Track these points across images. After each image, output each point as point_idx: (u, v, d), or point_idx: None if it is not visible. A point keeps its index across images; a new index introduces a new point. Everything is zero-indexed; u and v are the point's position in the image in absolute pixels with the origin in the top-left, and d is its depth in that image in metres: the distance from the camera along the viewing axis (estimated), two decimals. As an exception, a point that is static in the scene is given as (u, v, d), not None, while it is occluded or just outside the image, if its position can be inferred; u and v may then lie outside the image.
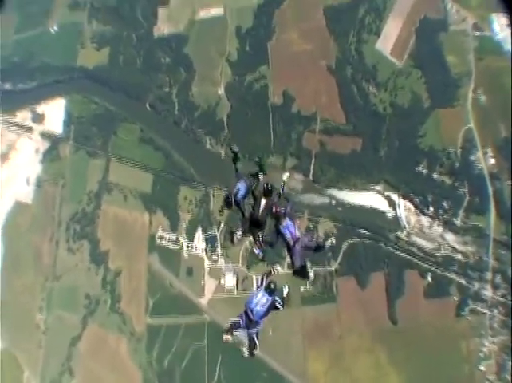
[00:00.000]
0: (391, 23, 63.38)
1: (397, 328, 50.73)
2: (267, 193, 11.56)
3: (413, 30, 62.13)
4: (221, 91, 65.35)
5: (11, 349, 62.86)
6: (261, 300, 10.65)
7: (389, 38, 62.87)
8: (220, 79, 65.82)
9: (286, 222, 11.23)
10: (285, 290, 11.46)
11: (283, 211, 11.28)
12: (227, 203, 11.98)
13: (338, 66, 62.04)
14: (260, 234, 11.68)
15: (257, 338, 11.21)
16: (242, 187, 11.98)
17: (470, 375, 49.29)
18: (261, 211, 11.42)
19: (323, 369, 50.46)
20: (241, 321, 10.88)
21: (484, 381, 49.14)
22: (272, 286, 10.70)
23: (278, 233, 11.25)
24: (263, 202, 11.47)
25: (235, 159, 12.89)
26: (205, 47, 67.74)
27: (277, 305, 10.92)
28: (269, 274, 11.30)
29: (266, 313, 10.72)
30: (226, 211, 12.64)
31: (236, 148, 13.21)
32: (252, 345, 11.10)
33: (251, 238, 11.82)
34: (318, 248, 11.57)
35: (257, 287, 11.10)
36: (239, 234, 11.70)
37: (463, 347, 48.84)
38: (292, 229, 11.15)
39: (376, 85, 59.70)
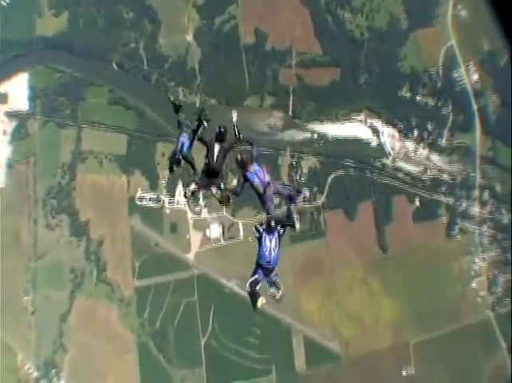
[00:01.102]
0: None
1: (388, 255, 60.95)
2: (220, 138, 12.58)
3: None
4: (190, 38, 74.67)
5: (1, 334, 73.06)
6: (271, 246, 11.78)
7: (360, -41, 73.01)
8: (188, 26, 75.03)
9: (253, 167, 12.15)
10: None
11: (249, 157, 12.25)
12: (175, 160, 13.32)
13: None
14: (220, 182, 12.77)
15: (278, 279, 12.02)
16: (185, 139, 13.27)
17: (462, 294, 59.03)
18: (215, 157, 12.39)
19: (317, 305, 61.45)
20: (258, 277, 12.03)
21: (476, 298, 58.85)
22: (272, 223, 11.67)
23: (246, 180, 12.24)
24: (217, 147, 12.47)
25: (176, 108, 14.31)
26: None
27: (287, 229, 12.37)
28: (261, 223, 12.23)
29: (279, 249, 11.69)
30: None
31: (171, 97, 14.64)
32: (276, 288, 12.41)
33: (214, 189, 12.92)
34: (291, 198, 12.54)
35: (260, 239, 12.14)
36: (192, 187, 12.87)
37: (455, 267, 58.85)
38: (260, 174, 12.15)
39: (352, 11, 69.00)
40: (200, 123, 13.89)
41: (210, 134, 13.81)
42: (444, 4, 64.40)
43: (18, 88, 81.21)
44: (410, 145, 59.87)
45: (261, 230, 12.39)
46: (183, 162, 13.82)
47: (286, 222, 12.70)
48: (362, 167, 60.61)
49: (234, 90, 68.86)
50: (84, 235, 74.42)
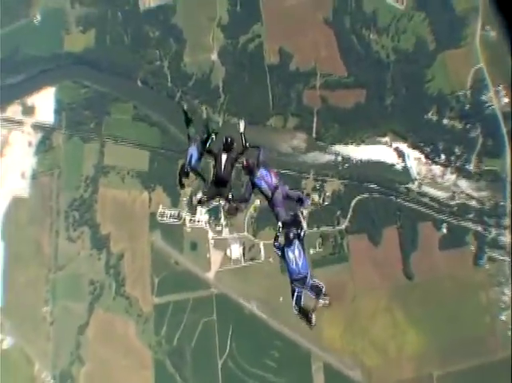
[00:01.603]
0: (389, -35, 67.50)
1: (413, 283, 54.68)
2: (227, 148, 11.98)
3: None
4: (214, 57, 70.00)
5: (20, 343, 69.09)
6: (295, 257, 10.76)
7: (388, -19, 66.98)
8: (212, 45, 70.45)
9: (260, 172, 11.44)
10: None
11: (255, 162, 11.61)
12: (184, 173, 12.47)
13: (335, 17, 65.41)
14: (228, 192, 11.97)
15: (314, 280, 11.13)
16: (193, 151, 12.47)
17: (492, 326, 52.84)
18: (223, 167, 11.71)
19: (338, 333, 54.99)
20: (298, 292, 11.05)
21: (506, 332, 52.87)
22: (291, 235, 10.75)
23: (254, 187, 11.51)
24: (224, 157, 11.80)
25: (187, 121, 13.28)
26: (194, 14, 72.48)
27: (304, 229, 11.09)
28: (276, 237, 11.32)
29: (304, 255, 10.86)
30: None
31: (185, 106, 15.33)
32: (320, 292, 11.31)
33: (222, 200, 12.23)
34: (301, 201, 11.70)
35: (283, 256, 11.05)
36: (199, 195, 12.31)
37: (483, 298, 52.37)
38: (267, 178, 11.33)
39: (377, 32, 63.24)
40: (209, 135, 12.98)
41: (218, 145, 12.66)
42: (472, 24, 59.21)
43: (45, 102, 77.18)
44: (437, 170, 53.59)
45: (280, 246, 11.17)
46: (191, 174, 12.59)
47: (294, 222, 11.20)
48: (387, 192, 53.93)
49: (257, 110, 64.38)
50: (105, 249, 69.44)
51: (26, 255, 73.20)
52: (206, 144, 12.77)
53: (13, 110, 77.99)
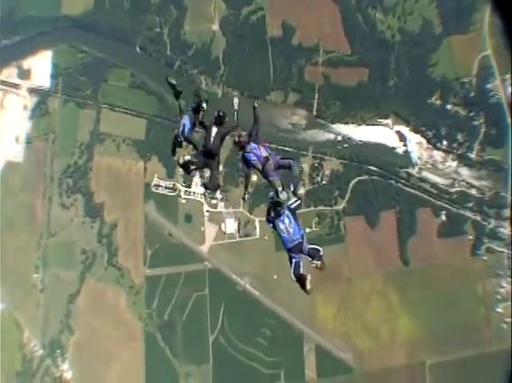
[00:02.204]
0: None
1: (409, 269, 49.75)
2: (218, 121, 10.96)
3: None
4: (215, 27, 63.30)
5: (10, 309, 63.20)
6: (286, 226, 9.72)
7: (397, -41, 59.55)
8: (214, 14, 63.51)
9: (250, 145, 10.47)
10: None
11: (246, 138, 10.60)
12: (177, 142, 11.40)
13: None
14: (217, 165, 11.12)
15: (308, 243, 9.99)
16: (186, 120, 11.36)
17: (486, 317, 48.48)
18: (212, 139, 10.77)
19: (332, 314, 49.96)
20: (295, 259, 9.73)
21: (501, 324, 47.97)
22: (278, 208, 9.85)
23: (246, 161, 10.53)
24: (214, 130, 10.83)
25: (176, 94, 11.81)
26: None
27: (295, 200, 10.23)
28: (268, 211, 10.37)
29: (296, 222, 9.88)
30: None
31: (173, 80, 11.84)
32: (317, 254, 9.92)
33: (207, 172, 11.20)
34: (290, 167, 10.61)
35: (274, 228, 10.01)
36: (187, 157, 11.09)
37: (479, 288, 47.71)
38: (256, 151, 10.36)
39: (383, 11, 57.08)
40: (199, 104, 11.52)
41: (210, 117, 11.34)
42: (481, 10, 52.55)
43: (41, 66, 69.37)
44: (438, 155, 47.64)
45: (271, 219, 9.97)
46: (184, 143, 11.41)
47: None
48: (387, 175, 48.25)
49: (257, 83, 59.19)
50: (98, 217, 63.15)
51: (19, 221, 66.73)
52: (197, 113, 11.29)
53: (9, 73, 70.08)
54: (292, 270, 9.60)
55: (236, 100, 11.65)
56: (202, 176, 11.66)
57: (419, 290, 47.82)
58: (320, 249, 9.87)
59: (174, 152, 11.67)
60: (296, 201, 10.07)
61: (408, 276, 48.31)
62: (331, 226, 51.43)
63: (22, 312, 62.47)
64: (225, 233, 54.12)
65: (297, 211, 10.11)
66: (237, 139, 10.33)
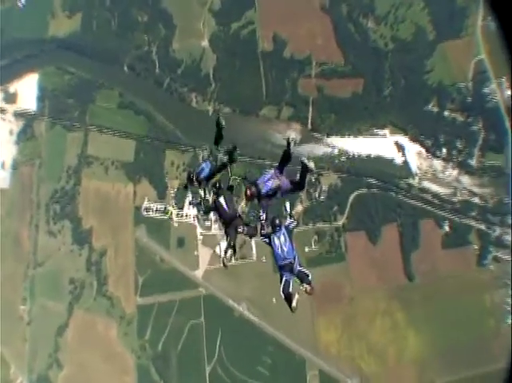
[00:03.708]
0: (387, -50, 61.81)
1: (414, 284, 49.27)
2: (219, 192, 11.76)
3: None
4: (205, 43, 64.04)
5: None
6: (280, 243, 10.42)
7: (387, -33, 61.33)
8: (203, 31, 64.45)
9: (261, 181, 11.04)
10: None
11: (255, 190, 10.97)
12: (189, 179, 12.05)
13: (332, 4, 60.40)
14: (241, 222, 11.38)
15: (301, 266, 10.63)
16: (206, 167, 11.89)
17: (496, 330, 47.67)
18: (226, 207, 11.38)
19: (335, 337, 49.39)
20: (286, 278, 10.25)
21: None
22: (276, 221, 10.55)
23: (269, 198, 11.08)
24: (222, 200, 11.43)
25: (218, 135, 12.02)
26: None
27: (292, 220, 11.13)
28: (262, 227, 11.13)
29: (290, 242, 10.54)
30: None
31: (223, 122, 12.05)
32: (306, 279, 10.34)
33: (239, 229, 11.51)
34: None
35: (269, 243, 10.75)
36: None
37: (487, 300, 47.08)
38: (269, 183, 10.92)
39: (375, 20, 58.13)
40: (224, 166, 11.80)
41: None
42: (473, 15, 54.06)
43: (28, 89, 70.87)
44: (438, 164, 48.03)
45: (266, 234, 10.69)
46: (196, 183, 12.00)
47: (303, 172, 10.91)
48: (387, 187, 48.11)
49: (249, 99, 59.52)
50: (87, 244, 63.10)
51: (4, 250, 67.19)
52: (219, 170, 11.82)
53: None
54: (281, 288, 10.05)
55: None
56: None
57: (425, 306, 47.36)
58: (309, 274, 10.22)
59: (186, 186, 12.43)
60: (293, 222, 10.76)
61: (413, 292, 47.98)
62: (331, 243, 51.32)
63: (8, 346, 61.82)
64: (220, 256, 53.73)
65: (295, 230, 10.76)
66: (249, 193, 10.65)
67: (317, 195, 52.37)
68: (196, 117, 59.85)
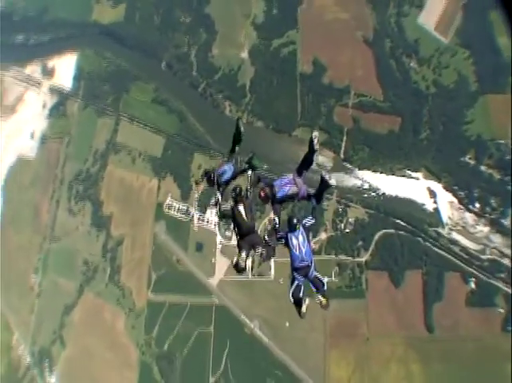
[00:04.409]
0: (436, -4, 40.68)
1: (433, 337, 32.63)
2: (238, 199, 6.96)
3: (460, 6, 39.58)
4: (244, 54, 44.63)
5: (2, 307, 42.13)
6: (298, 243, 6.39)
7: (433, 12, 41.83)
8: (244, 42, 44.92)
9: (276, 186, 6.80)
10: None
11: (270, 192, 6.75)
12: (208, 178, 7.42)
13: (376, 38, 43.34)
14: (259, 238, 6.85)
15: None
16: (228, 170, 7.46)
17: None
18: (245, 217, 6.81)
19: (346, 374, 32.26)
20: (298, 282, 6.33)
21: None
22: (294, 221, 6.49)
23: (281, 202, 6.91)
24: (241, 208, 6.86)
25: (237, 139, 7.45)
26: (228, 8, 46.18)
27: (310, 218, 6.81)
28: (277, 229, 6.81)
29: (308, 243, 6.58)
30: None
31: (242, 126, 7.41)
32: (321, 287, 6.30)
33: (258, 249, 6.76)
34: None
35: (286, 243, 6.57)
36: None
37: (509, 369, 28.83)
38: (286, 188, 6.68)
39: (418, 61, 39.24)
40: (245, 170, 7.64)
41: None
42: None
43: (65, 67, 49.37)
44: (469, 218, 30.41)
45: (283, 234, 6.73)
46: (215, 186, 7.57)
47: (322, 186, 6.65)
48: (415, 232, 29.77)
49: (284, 117, 41.47)
50: (105, 229, 43.43)
51: (23, 218, 46.47)
52: (240, 174, 7.65)
53: (33, 69, 50.60)
54: (291, 291, 6.40)
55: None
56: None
57: (442, 362, 31.23)
58: (325, 282, 6.42)
59: (200, 183, 7.94)
60: (311, 219, 6.84)
61: (432, 345, 31.38)
62: (352, 278, 33.83)
63: (14, 313, 43.57)
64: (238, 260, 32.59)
65: (316, 258, 7.69)
66: (262, 194, 6.78)
67: (342, 226, 33.53)
68: (228, 126, 35.87)
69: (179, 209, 41.45)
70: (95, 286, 41.35)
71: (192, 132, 44.32)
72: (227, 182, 7.48)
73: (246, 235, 6.81)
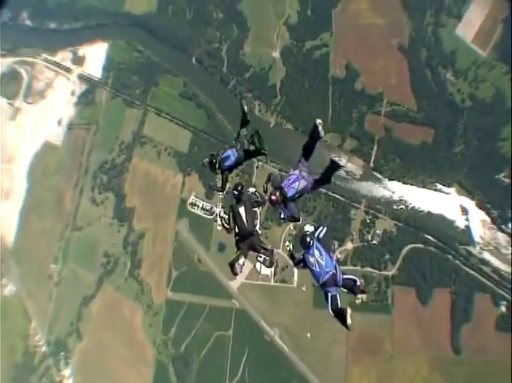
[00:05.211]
0: (475, 8, 35.74)
1: (459, 359, 28.01)
2: (240, 197, 6.49)
3: (500, 20, 33.74)
4: (276, 54, 39.60)
5: (21, 294, 38.47)
6: (316, 258, 5.70)
7: (472, 24, 36.45)
8: (276, 41, 39.78)
9: (285, 184, 6.29)
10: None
11: (280, 195, 6.20)
12: (210, 162, 6.93)
13: (411, 47, 37.87)
14: (259, 242, 6.47)
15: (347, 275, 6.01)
16: (232, 156, 6.78)
17: None
18: (245, 220, 6.33)
19: None
20: (333, 294, 5.57)
21: None
22: (307, 239, 5.89)
23: (293, 199, 6.41)
24: (241, 210, 6.38)
25: (243, 122, 6.92)
26: (262, 6, 40.61)
27: (321, 229, 6.32)
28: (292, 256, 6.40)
29: (325, 251, 6.02)
30: None
31: (245, 106, 6.87)
32: (355, 286, 5.66)
33: (260, 258, 6.65)
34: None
35: (306, 265, 5.87)
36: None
37: None
38: (294, 186, 6.19)
39: (454, 73, 33.65)
40: (248, 153, 7.04)
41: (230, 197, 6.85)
42: None
43: (96, 56, 44.08)
44: (502, 238, 23.57)
45: (300, 258, 6.03)
46: (218, 171, 7.06)
47: (332, 168, 6.36)
48: (445, 249, 23.14)
49: (313, 121, 25.09)
50: (127, 222, 38.63)
51: (46, 204, 41.24)
52: (245, 157, 6.99)
53: (64, 56, 45.20)
54: (329, 306, 5.59)
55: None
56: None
57: None
58: (357, 279, 5.73)
59: (204, 165, 7.23)
60: (322, 229, 6.28)
61: (458, 367, 27.11)
62: (377, 292, 29.19)
63: (33, 301, 41.64)
64: (259, 273, 28.27)
65: (342, 268, 5.95)
66: (274, 198, 6.16)
67: (369, 237, 27.65)
68: (257, 126, 30.46)
69: (202, 207, 36.82)
70: (114, 280, 36.97)
71: (220, 129, 39.76)
72: (230, 168, 6.79)
73: (245, 238, 6.27)
